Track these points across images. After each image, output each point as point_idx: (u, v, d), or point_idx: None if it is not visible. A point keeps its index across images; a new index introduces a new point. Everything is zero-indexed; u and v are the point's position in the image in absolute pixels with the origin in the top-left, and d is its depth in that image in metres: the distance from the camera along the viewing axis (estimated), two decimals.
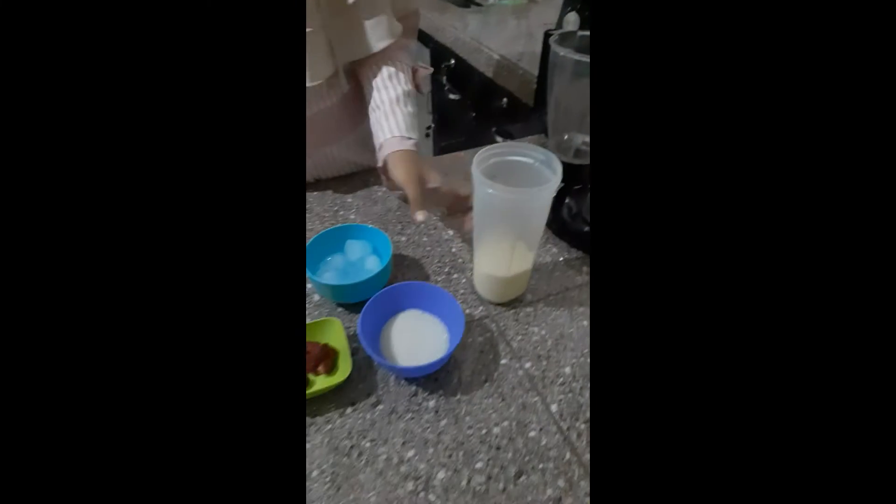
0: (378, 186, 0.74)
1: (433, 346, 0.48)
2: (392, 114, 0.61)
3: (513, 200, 0.43)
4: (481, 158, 0.46)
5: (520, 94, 1.06)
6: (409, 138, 0.59)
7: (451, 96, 1.32)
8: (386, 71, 0.64)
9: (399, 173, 0.56)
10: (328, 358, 0.48)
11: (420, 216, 0.54)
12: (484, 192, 0.44)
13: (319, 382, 0.46)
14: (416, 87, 0.68)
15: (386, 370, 0.48)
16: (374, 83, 0.64)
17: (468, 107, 1.30)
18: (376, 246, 0.59)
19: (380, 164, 0.61)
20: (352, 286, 0.52)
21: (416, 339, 0.49)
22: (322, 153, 0.72)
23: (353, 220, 0.68)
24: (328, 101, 0.67)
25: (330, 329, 0.50)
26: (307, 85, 0.60)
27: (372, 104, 0.64)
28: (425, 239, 0.65)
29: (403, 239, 0.65)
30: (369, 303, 0.49)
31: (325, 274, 0.55)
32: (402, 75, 0.64)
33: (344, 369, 0.46)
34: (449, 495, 0.39)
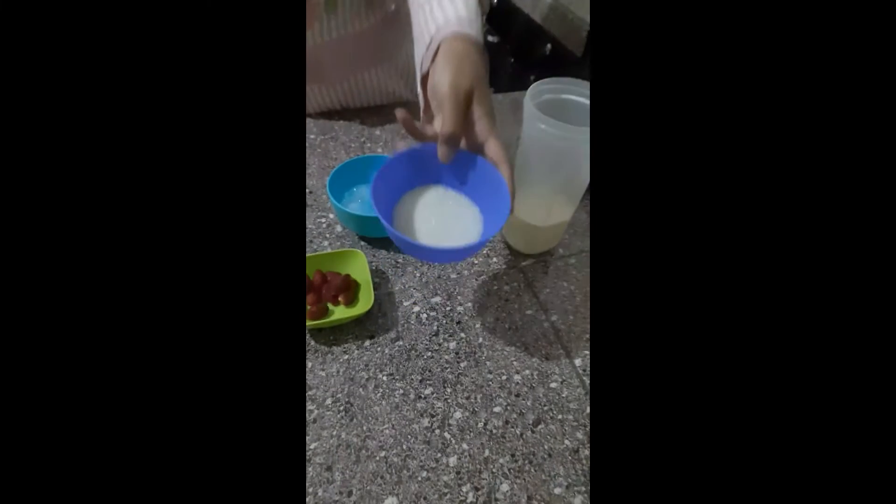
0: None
1: (464, 229, 0.37)
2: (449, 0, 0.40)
3: (565, 139, 0.39)
4: (535, 92, 0.42)
5: (566, 41, 0.98)
6: (469, 30, 0.38)
7: (490, 38, 1.24)
8: None
9: (444, 79, 0.35)
10: (349, 289, 0.46)
11: (443, 153, 0.36)
12: (535, 127, 0.40)
13: (338, 313, 0.45)
14: None
15: (404, 250, 0.38)
16: None
17: (507, 51, 1.22)
18: None
19: (423, 69, 0.38)
20: (378, 219, 0.50)
21: (443, 218, 0.37)
22: (355, 78, 0.67)
23: (381, 153, 0.65)
24: (367, 22, 0.61)
25: (353, 260, 0.48)
26: None
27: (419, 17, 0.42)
28: None
29: None
30: (389, 162, 0.36)
31: (350, 204, 0.52)
32: None
33: (365, 302, 0.45)
34: (465, 435, 0.38)
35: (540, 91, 0.42)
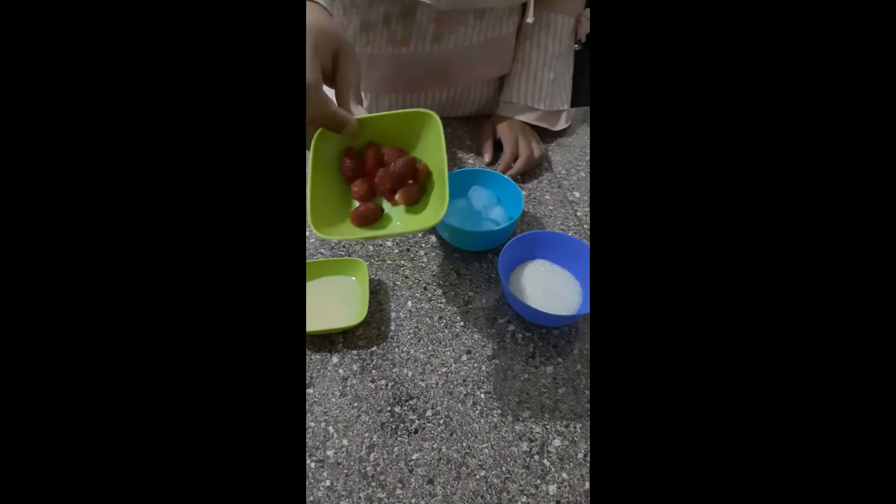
0: None
1: (566, 299, 0.46)
2: (534, 79, 0.65)
3: None
4: None
5: None
6: (535, 109, 0.66)
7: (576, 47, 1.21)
8: (552, 20, 0.63)
9: (506, 133, 0.64)
10: (416, 178, 0.31)
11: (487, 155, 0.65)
12: None
13: (399, 220, 0.31)
14: (577, 39, 0.68)
15: (516, 311, 0.47)
16: (534, 32, 0.64)
17: (586, 57, 1.18)
18: (500, 196, 0.56)
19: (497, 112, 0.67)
20: (476, 234, 0.51)
21: (550, 287, 0.47)
22: (466, 86, 0.68)
23: (472, 164, 0.65)
24: (508, 28, 0.63)
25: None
26: (495, 5, 0.58)
27: (522, 55, 0.65)
28: (548, 196, 0.61)
29: (524, 193, 0.61)
30: (510, 243, 0.47)
31: (448, 216, 0.53)
32: (564, 31, 0.64)
33: (437, 203, 0.31)
34: (564, 465, 0.38)
35: None
